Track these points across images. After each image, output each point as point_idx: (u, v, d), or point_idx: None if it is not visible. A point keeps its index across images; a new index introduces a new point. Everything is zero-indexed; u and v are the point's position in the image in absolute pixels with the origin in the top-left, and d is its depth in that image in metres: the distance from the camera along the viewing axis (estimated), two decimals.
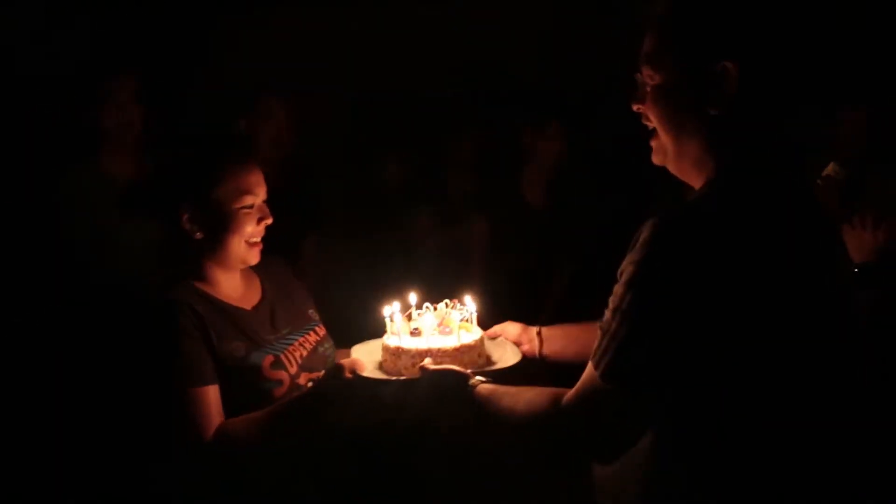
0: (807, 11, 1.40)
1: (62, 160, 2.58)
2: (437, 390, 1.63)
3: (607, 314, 1.26)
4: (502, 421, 1.51)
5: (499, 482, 2.19)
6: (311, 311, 2.02)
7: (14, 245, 2.34)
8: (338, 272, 2.81)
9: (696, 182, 1.37)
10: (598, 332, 1.28)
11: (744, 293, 1.19)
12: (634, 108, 1.40)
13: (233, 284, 1.90)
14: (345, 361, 1.69)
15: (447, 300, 1.88)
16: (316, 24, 3.66)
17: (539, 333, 1.93)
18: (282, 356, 1.82)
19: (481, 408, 1.56)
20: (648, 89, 1.35)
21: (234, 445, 1.70)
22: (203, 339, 1.74)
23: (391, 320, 1.81)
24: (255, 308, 1.90)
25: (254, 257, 1.86)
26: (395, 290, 1.94)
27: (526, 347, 1.92)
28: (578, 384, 1.31)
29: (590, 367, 1.29)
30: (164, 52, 3.31)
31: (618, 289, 1.25)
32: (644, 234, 1.22)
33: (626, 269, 1.24)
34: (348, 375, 1.66)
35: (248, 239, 1.83)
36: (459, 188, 3.24)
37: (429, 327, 1.77)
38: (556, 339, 1.93)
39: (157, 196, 1.86)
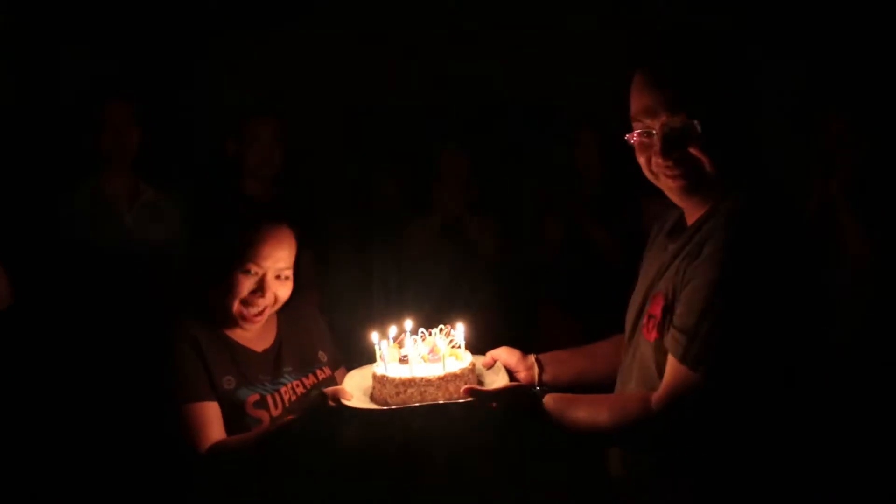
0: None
1: (63, 181, 2.67)
2: (507, 410, 1.60)
3: (691, 318, 1.37)
4: (580, 430, 1.54)
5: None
6: (320, 352, 2.07)
7: (17, 258, 2.40)
8: (337, 289, 2.81)
9: (692, 205, 1.54)
10: (675, 337, 1.40)
11: (802, 294, 1.38)
12: (667, 159, 1.48)
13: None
14: (328, 390, 1.68)
15: (441, 326, 1.84)
16: (312, 40, 3.71)
17: (538, 360, 1.88)
18: (268, 397, 1.89)
19: (553, 420, 1.56)
20: (656, 138, 1.47)
21: (226, 463, 1.76)
22: (202, 365, 1.84)
23: (379, 347, 1.77)
24: (265, 351, 1.98)
25: (248, 324, 1.92)
26: (393, 307, 1.93)
27: (523, 375, 1.86)
28: (667, 386, 1.41)
29: (676, 368, 1.39)
30: (160, 73, 3.38)
31: (698, 294, 1.37)
32: (724, 242, 1.38)
33: (707, 275, 1.37)
34: (331, 404, 1.64)
35: (242, 306, 1.89)
36: (453, 201, 3.24)
37: (416, 355, 1.73)
38: (552, 365, 1.88)
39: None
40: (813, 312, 1.41)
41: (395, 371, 1.69)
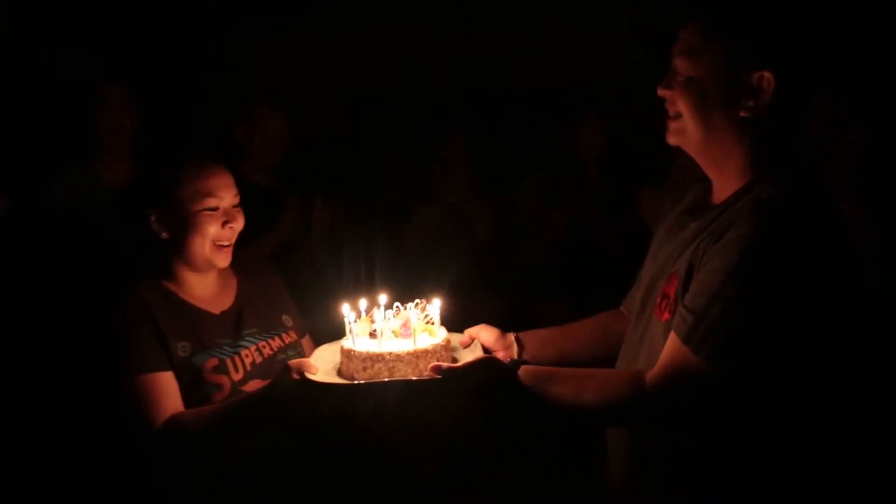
0: (830, 21, 1.53)
1: (58, 164, 2.63)
2: (478, 382, 1.53)
3: (701, 299, 1.33)
4: (562, 406, 1.48)
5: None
6: (285, 316, 2.00)
7: (8, 245, 2.37)
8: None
9: (715, 171, 1.48)
10: (682, 316, 1.35)
11: (825, 295, 1.31)
12: (660, 93, 1.46)
13: (203, 286, 1.90)
14: (293, 363, 1.60)
15: (417, 300, 1.76)
16: (314, 29, 3.73)
17: (518, 339, 1.80)
18: (227, 360, 1.81)
19: (529, 394, 1.49)
20: (681, 79, 1.41)
21: (185, 436, 1.69)
22: (154, 332, 1.76)
23: (348, 320, 1.69)
24: (224, 312, 1.90)
25: (221, 260, 1.86)
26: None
27: (501, 354, 1.77)
28: (664, 365, 1.37)
29: (678, 348, 1.34)
30: (171, 59, 3.39)
31: (714, 276, 1.32)
32: (749, 228, 1.32)
33: (726, 259, 1.31)
34: (295, 377, 1.57)
35: (213, 241, 1.82)
36: (454, 185, 3.23)
37: (386, 329, 1.65)
38: (533, 344, 1.80)
39: (131, 199, 1.90)
40: (836, 315, 1.34)
41: (363, 345, 1.61)
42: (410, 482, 1.80)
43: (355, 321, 1.67)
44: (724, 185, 1.48)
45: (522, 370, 1.51)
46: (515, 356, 1.78)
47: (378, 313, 1.70)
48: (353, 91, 3.76)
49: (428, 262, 2.99)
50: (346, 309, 1.69)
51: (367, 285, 1.98)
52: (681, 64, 1.43)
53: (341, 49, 3.71)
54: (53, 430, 2.24)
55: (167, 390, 1.72)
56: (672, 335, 1.38)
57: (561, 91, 3.62)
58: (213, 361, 1.79)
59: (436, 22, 3.68)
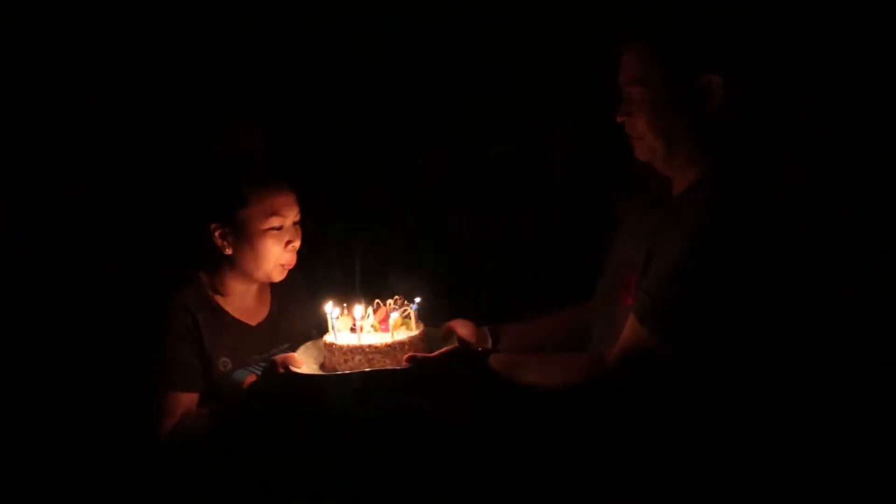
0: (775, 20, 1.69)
1: (57, 178, 2.67)
2: (451, 369, 1.62)
3: (656, 282, 1.42)
4: (530, 389, 1.57)
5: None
6: (314, 331, 2.02)
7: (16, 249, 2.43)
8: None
9: (678, 176, 1.57)
10: (640, 298, 1.44)
11: (784, 268, 1.39)
12: (619, 120, 1.57)
13: (246, 298, 1.93)
14: (278, 357, 1.69)
15: (396, 297, 1.86)
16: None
17: (492, 332, 1.90)
18: None
19: (501, 380, 1.58)
20: (636, 102, 1.52)
21: (184, 437, 1.73)
22: (196, 345, 1.80)
23: (331, 316, 1.79)
24: (259, 324, 1.93)
25: (279, 276, 1.88)
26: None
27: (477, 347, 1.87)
28: (623, 343, 1.45)
29: (635, 327, 1.43)
30: (148, 67, 3.39)
31: (668, 260, 1.42)
32: (701, 216, 1.41)
33: (678, 244, 1.40)
34: (280, 370, 1.66)
35: (277, 261, 1.84)
36: (430, 192, 3.31)
37: (366, 324, 1.75)
38: (507, 337, 1.90)
39: (190, 211, 1.92)
40: (789, 298, 1.42)
41: (344, 339, 1.71)
42: (394, 472, 1.87)
43: (337, 318, 1.76)
44: (684, 180, 1.58)
45: (492, 358, 1.61)
46: (490, 348, 1.88)
47: (358, 310, 1.80)
48: (335, 95, 3.79)
49: (407, 265, 3.06)
50: (328, 307, 1.79)
51: (348, 286, 2.06)
52: (633, 90, 1.53)
53: (322, 56, 3.75)
54: (61, 423, 2.29)
55: (187, 410, 1.76)
56: (631, 316, 1.47)
57: (532, 93, 3.67)
58: (252, 377, 1.84)
59: (410, 28, 3.71)
